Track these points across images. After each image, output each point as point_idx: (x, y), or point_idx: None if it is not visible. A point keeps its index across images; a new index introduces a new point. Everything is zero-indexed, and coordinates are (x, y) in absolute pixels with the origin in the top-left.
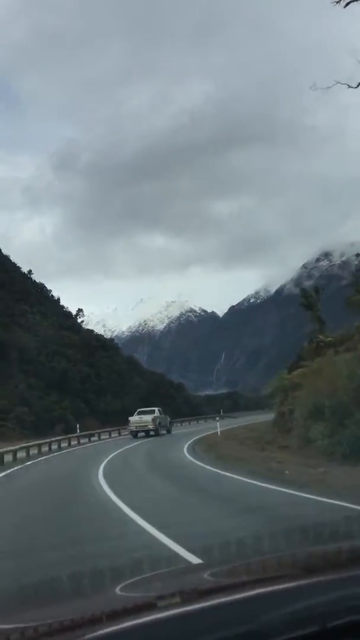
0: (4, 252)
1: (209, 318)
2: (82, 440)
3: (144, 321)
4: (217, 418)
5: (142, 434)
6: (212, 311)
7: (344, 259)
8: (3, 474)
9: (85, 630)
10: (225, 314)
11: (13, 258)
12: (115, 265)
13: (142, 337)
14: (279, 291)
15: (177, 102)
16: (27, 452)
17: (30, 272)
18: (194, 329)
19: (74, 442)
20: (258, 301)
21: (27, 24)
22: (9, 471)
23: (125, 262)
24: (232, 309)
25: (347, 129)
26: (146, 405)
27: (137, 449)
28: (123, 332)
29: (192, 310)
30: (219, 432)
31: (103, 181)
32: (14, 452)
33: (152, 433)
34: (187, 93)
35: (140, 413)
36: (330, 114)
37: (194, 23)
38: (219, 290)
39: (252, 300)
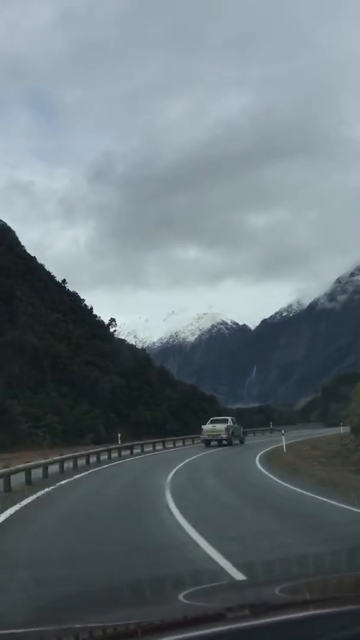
0: (39, 261)
1: (240, 331)
2: (134, 451)
3: (175, 333)
4: (283, 431)
5: (215, 442)
6: (244, 324)
7: None
8: (57, 484)
9: (155, 636)
10: (257, 327)
11: (47, 267)
12: (148, 277)
13: (172, 349)
14: (312, 305)
15: (213, 114)
16: (75, 463)
17: (64, 281)
18: (225, 341)
19: (124, 452)
20: (291, 315)
21: (67, 36)
22: (60, 483)
23: (157, 274)
24: (264, 322)
25: None
26: (177, 418)
27: (210, 456)
28: (154, 343)
29: (223, 323)
30: (283, 447)
31: (137, 192)
32: (61, 463)
33: (224, 442)
34: (224, 105)
35: (213, 422)
36: None
37: (232, 35)
38: (251, 303)
39: (284, 314)
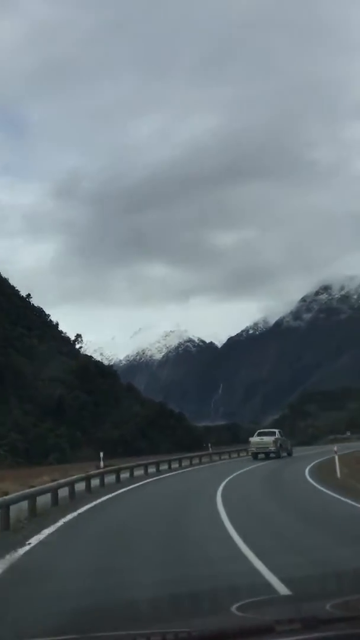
0: (3, 275)
1: (207, 348)
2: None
3: (142, 350)
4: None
5: (262, 455)
6: (211, 342)
7: (343, 292)
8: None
9: None
10: (224, 344)
11: (12, 282)
12: (115, 294)
13: (139, 366)
14: (278, 323)
15: (181, 134)
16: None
17: (29, 295)
18: (192, 359)
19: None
20: (257, 333)
21: (36, 53)
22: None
23: (124, 291)
24: (230, 339)
25: (348, 165)
26: (145, 436)
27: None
28: (120, 360)
29: (190, 340)
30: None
31: (105, 209)
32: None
33: (272, 455)
34: (192, 126)
35: (260, 434)
36: (332, 150)
37: (200, 58)
38: (218, 321)
39: (250, 331)
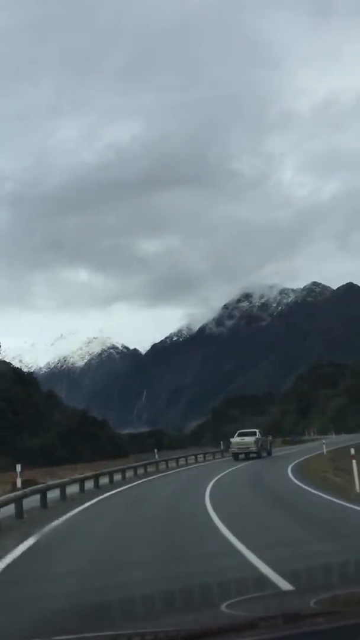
0: None
1: (131, 355)
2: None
3: (64, 357)
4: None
5: (242, 456)
6: (135, 348)
7: (263, 300)
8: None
9: None
10: (148, 351)
11: None
12: (35, 299)
13: (61, 374)
14: (201, 330)
15: (105, 139)
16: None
17: None
18: (116, 366)
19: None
20: (180, 339)
21: None
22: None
23: (45, 296)
24: (154, 346)
25: (269, 177)
26: (66, 444)
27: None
28: (41, 368)
29: (114, 347)
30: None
31: (26, 212)
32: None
33: (253, 455)
34: (117, 131)
35: (241, 435)
36: (254, 161)
37: (127, 63)
38: (142, 327)
39: (174, 338)
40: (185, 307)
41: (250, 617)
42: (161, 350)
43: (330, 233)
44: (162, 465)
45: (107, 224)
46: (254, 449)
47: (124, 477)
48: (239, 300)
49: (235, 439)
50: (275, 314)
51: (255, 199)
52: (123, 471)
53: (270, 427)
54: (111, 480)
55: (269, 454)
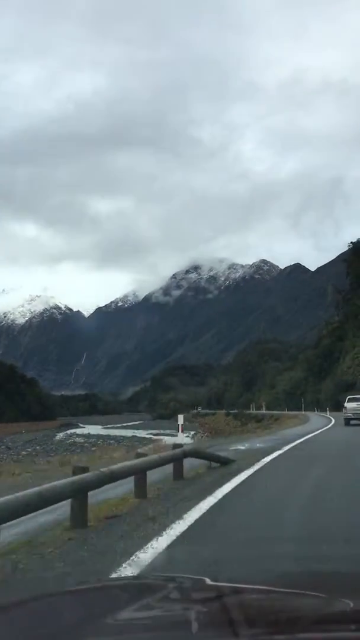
0: None
1: (74, 317)
2: None
3: (4, 313)
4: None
5: (356, 421)
6: (78, 310)
7: (212, 273)
8: None
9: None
10: (92, 314)
11: None
12: None
13: None
14: (147, 298)
15: (65, 89)
16: None
17: None
18: (57, 326)
19: None
20: (126, 305)
21: None
22: None
23: None
24: (98, 310)
25: (229, 148)
26: None
27: None
28: None
29: (57, 307)
30: None
31: None
32: None
33: None
34: (77, 82)
35: (351, 400)
36: (215, 130)
37: (94, 11)
38: (87, 289)
39: (120, 304)
40: (133, 272)
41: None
42: (105, 314)
43: (283, 212)
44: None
45: (59, 178)
46: None
47: None
48: (187, 271)
49: (351, 404)
50: (222, 287)
51: (213, 169)
52: None
53: (212, 398)
54: None
55: None
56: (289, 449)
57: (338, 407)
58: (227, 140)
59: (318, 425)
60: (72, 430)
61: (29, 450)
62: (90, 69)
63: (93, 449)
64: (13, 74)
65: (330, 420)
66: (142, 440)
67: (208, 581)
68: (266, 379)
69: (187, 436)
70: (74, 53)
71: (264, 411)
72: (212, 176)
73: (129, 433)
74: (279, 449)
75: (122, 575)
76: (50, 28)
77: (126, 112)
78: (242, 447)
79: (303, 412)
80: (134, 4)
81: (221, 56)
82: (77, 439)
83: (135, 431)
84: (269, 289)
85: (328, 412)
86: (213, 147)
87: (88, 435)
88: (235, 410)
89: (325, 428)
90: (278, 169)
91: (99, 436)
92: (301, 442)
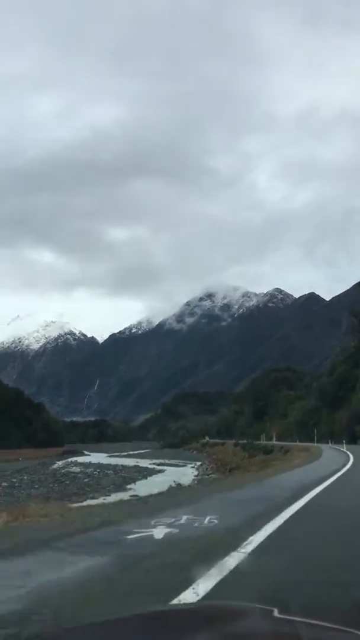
0: None
1: (88, 343)
2: None
3: (19, 338)
4: None
5: None
6: (92, 336)
7: (226, 301)
8: None
9: None
10: (105, 340)
11: None
12: None
13: (14, 355)
14: (161, 325)
15: (84, 119)
16: None
17: None
18: (71, 352)
19: None
20: (139, 332)
21: None
22: None
23: (6, 274)
24: (112, 336)
25: (244, 177)
26: None
27: None
28: None
29: (71, 333)
30: None
31: None
32: None
33: None
34: (96, 112)
35: None
36: (231, 160)
37: (114, 45)
38: (101, 316)
39: (133, 330)
40: (147, 299)
41: None
42: (119, 340)
43: (297, 241)
44: None
45: (76, 206)
46: None
47: None
48: (201, 299)
49: None
50: (236, 315)
51: (228, 199)
52: None
53: (222, 427)
54: None
55: None
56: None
57: (354, 438)
58: (243, 170)
59: (333, 464)
60: (74, 458)
61: (14, 481)
62: (109, 99)
63: (85, 480)
64: (34, 104)
65: (348, 457)
66: (143, 471)
67: (276, 613)
68: (278, 408)
69: (193, 467)
70: (94, 84)
71: (274, 442)
72: (227, 205)
73: (131, 462)
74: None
75: (183, 602)
76: (72, 60)
77: (144, 142)
78: (164, 533)
79: (315, 445)
80: (154, 40)
81: (238, 88)
82: (73, 469)
83: (140, 460)
84: (282, 318)
85: (345, 445)
86: (228, 176)
87: (87, 464)
88: (245, 441)
89: (343, 470)
90: (293, 198)
91: (98, 465)
92: (302, 509)
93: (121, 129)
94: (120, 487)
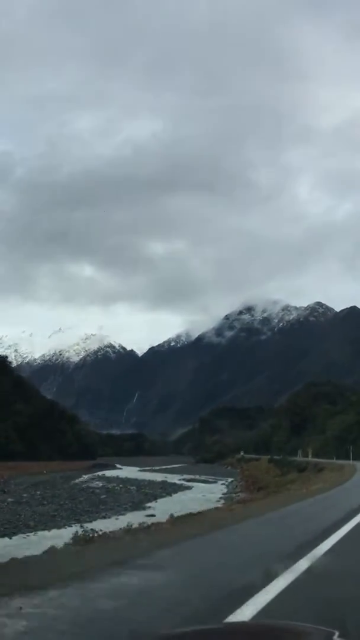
0: None
1: (127, 356)
2: None
3: (59, 351)
4: None
5: None
6: (132, 349)
7: (265, 315)
8: None
9: None
10: (145, 354)
11: None
12: (37, 289)
13: (54, 367)
14: (200, 338)
15: (123, 134)
16: None
17: None
18: (111, 365)
19: None
20: (178, 345)
21: None
22: None
23: (48, 288)
24: (151, 349)
25: (284, 191)
26: (23, 438)
27: None
28: (35, 359)
29: (111, 346)
30: None
31: (35, 200)
32: None
33: None
34: (135, 127)
35: None
36: (270, 174)
37: (152, 60)
38: (141, 329)
39: (172, 344)
40: (186, 313)
41: None
42: (158, 354)
43: (338, 254)
44: None
45: (115, 220)
46: None
47: None
48: (240, 312)
49: None
50: (276, 329)
51: (268, 212)
52: None
53: (259, 442)
54: None
55: None
56: None
57: None
58: (282, 183)
59: None
60: (102, 472)
61: (24, 495)
62: (147, 115)
63: (103, 496)
64: (74, 121)
65: None
66: (168, 488)
67: (336, 637)
68: (316, 423)
69: (224, 483)
70: (132, 100)
71: (309, 458)
72: (267, 218)
73: (160, 477)
74: None
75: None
76: (110, 76)
77: (182, 157)
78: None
79: (351, 462)
80: (192, 55)
81: (277, 101)
82: (95, 483)
83: (169, 475)
84: (324, 332)
85: None
86: (268, 190)
87: (112, 479)
88: (279, 457)
89: None
90: (334, 211)
91: (123, 480)
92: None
93: (159, 143)
94: (138, 506)
